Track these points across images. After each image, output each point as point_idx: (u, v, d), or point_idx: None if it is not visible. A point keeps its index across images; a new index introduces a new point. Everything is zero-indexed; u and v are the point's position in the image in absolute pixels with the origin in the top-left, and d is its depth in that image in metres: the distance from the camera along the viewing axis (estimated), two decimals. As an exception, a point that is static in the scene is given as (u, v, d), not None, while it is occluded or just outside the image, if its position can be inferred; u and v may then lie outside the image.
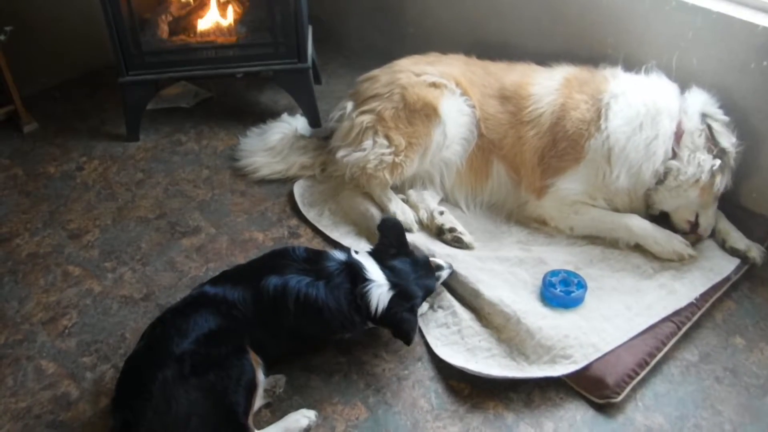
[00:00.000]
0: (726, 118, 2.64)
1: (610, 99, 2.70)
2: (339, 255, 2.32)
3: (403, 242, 2.43)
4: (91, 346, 2.45)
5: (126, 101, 3.42)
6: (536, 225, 2.85)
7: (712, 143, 2.60)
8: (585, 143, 2.71)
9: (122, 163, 3.35)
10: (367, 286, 2.23)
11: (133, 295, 2.65)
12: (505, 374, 2.24)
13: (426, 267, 2.43)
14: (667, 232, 2.66)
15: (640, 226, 2.67)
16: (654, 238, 2.64)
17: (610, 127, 2.67)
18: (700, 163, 2.59)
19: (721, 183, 2.61)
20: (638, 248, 2.68)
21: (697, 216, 2.68)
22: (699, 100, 2.66)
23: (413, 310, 2.26)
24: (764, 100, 2.66)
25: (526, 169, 2.85)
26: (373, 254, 2.37)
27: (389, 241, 2.39)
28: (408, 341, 2.24)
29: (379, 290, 2.23)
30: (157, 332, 2.12)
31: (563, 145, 2.74)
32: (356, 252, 2.37)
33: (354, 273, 2.26)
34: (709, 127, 2.61)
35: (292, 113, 3.50)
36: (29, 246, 2.88)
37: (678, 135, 2.63)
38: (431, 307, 2.52)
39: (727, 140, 2.60)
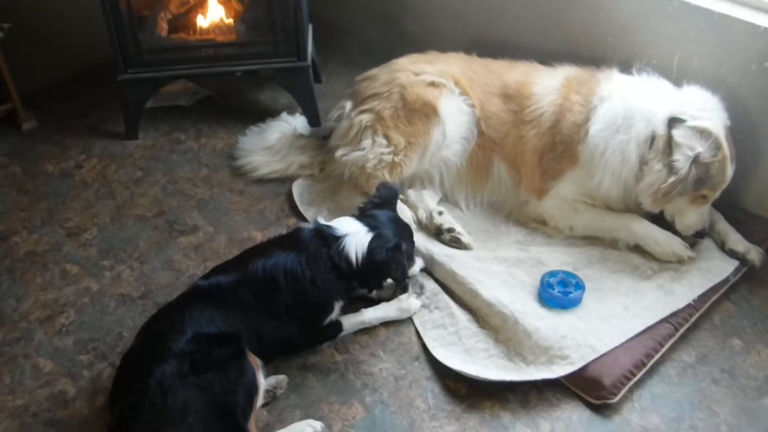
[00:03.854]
0: (702, 125, 2.47)
1: (598, 102, 2.69)
2: (309, 225, 2.39)
3: (394, 203, 2.48)
4: (88, 345, 2.45)
5: (125, 99, 3.42)
6: (535, 225, 2.84)
7: (667, 153, 2.51)
8: (577, 147, 2.71)
9: (121, 162, 3.35)
10: (340, 242, 2.27)
11: (130, 293, 2.65)
12: (502, 377, 2.23)
13: (407, 227, 2.48)
14: (668, 233, 2.64)
15: (640, 227, 2.66)
16: (654, 238, 2.63)
17: (591, 131, 2.66)
18: (651, 172, 2.55)
19: (653, 197, 2.54)
20: (637, 249, 2.67)
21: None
22: (677, 103, 2.56)
23: (399, 249, 2.26)
24: (765, 101, 2.65)
25: (526, 168, 2.85)
26: (357, 211, 2.46)
27: (378, 197, 2.45)
28: (400, 281, 2.29)
29: (355, 237, 2.28)
30: (153, 328, 2.14)
31: (561, 148, 2.74)
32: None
33: (325, 237, 2.30)
34: (670, 135, 2.51)
35: (291, 112, 3.49)
36: (27, 244, 2.88)
37: (653, 139, 2.57)
38: (427, 307, 2.51)
39: (681, 152, 2.45)
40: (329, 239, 2.30)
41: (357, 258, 2.27)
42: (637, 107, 2.60)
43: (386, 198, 2.48)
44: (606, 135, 2.63)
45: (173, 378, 1.94)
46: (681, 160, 2.46)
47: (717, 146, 2.46)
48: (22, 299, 2.63)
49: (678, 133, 2.49)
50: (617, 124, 2.62)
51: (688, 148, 2.46)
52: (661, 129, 2.54)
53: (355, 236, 2.30)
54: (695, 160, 2.45)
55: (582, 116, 2.70)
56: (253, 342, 2.16)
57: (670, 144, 2.50)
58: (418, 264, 2.53)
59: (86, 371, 2.36)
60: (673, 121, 2.52)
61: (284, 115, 3.42)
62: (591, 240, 2.74)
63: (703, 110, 2.53)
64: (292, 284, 2.23)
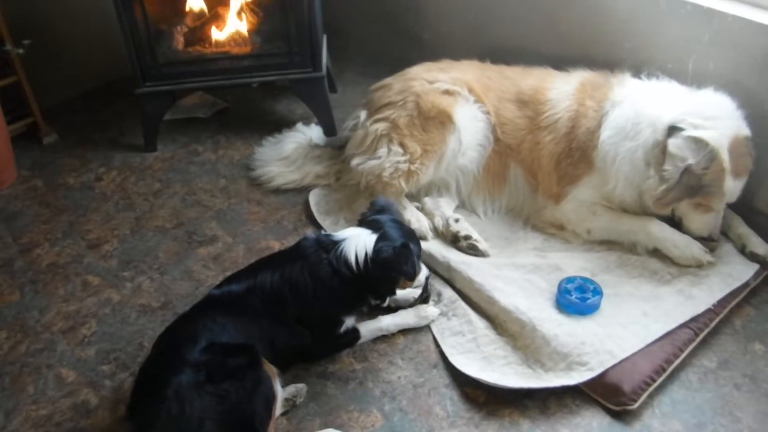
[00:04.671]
0: (699, 135, 2.41)
1: (609, 107, 2.68)
2: (311, 235, 2.39)
3: (393, 210, 2.45)
4: (110, 355, 2.49)
5: (143, 112, 3.47)
6: (553, 230, 2.83)
7: (661, 161, 2.50)
8: (592, 153, 2.70)
9: (140, 174, 3.39)
10: (339, 246, 2.27)
11: (151, 303, 2.68)
12: (521, 385, 2.22)
13: (411, 230, 2.47)
14: (687, 237, 2.62)
15: (659, 230, 2.64)
16: (673, 241, 2.61)
17: (602, 137, 2.66)
18: (649, 178, 2.55)
19: (652, 202, 2.56)
20: (656, 253, 2.65)
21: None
22: (682, 109, 2.51)
23: (407, 246, 2.24)
24: (782, 103, 2.64)
25: (543, 174, 2.84)
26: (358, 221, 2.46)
27: (378, 205, 2.44)
28: (411, 276, 2.26)
29: (355, 240, 2.27)
30: (168, 338, 2.16)
31: (577, 154, 2.74)
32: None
33: (324, 244, 2.30)
34: (665, 144, 2.48)
35: (307, 122, 3.53)
36: (49, 256, 2.93)
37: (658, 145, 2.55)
38: (445, 314, 2.52)
39: (672, 163, 2.44)
40: (328, 245, 2.29)
41: (358, 259, 2.24)
42: (645, 113, 2.59)
43: (385, 205, 2.47)
44: (616, 141, 2.63)
45: (189, 387, 1.95)
46: (670, 170, 2.46)
47: (711, 158, 2.42)
48: (45, 310, 2.67)
49: (673, 143, 2.46)
50: (626, 130, 2.61)
51: (679, 159, 2.45)
52: (661, 136, 2.52)
53: (354, 239, 2.28)
54: (686, 170, 2.43)
55: (595, 122, 2.70)
56: (267, 349, 2.17)
57: (663, 154, 2.49)
58: (423, 272, 2.47)
59: (108, 381, 2.39)
60: (672, 130, 2.49)
61: (300, 125, 3.45)
62: (609, 245, 2.73)
63: (708, 118, 2.47)
64: (296, 296, 2.23)
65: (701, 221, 2.59)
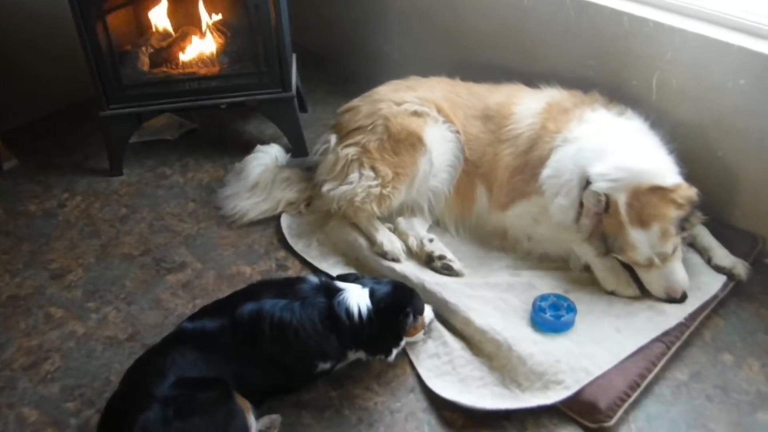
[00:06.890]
0: (599, 189, 2.44)
1: (560, 143, 2.67)
2: (314, 279, 2.34)
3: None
4: (74, 391, 2.40)
5: (108, 135, 3.40)
6: (497, 241, 2.82)
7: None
8: (540, 179, 2.70)
9: (106, 199, 3.31)
10: (341, 294, 2.23)
11: (117, 335, 2.60)
12: (497, 406, 2.21)
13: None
14: (615, 263, 2.59)
15: (589, 249, 2.62)
16: (598, 264, 2.60)
17: (543, 173, 2.67)
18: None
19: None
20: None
21: None
22: (607, 165, 2.49)
23: (401, 284, 2.37)
24: (741, 118, 2.69)
25: (497, 185, 2.84)
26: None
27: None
28: (420, 309, 2.36)
29: (359, 293, 2.25)
30: (136, 373, 2.10)
31: (529, 174, 2.73)
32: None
33: (329, 289, 2.26)
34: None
35: (278, 142, 3.46)
36: (10, 288, 2.83)
37: None
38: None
39: (585, 214, 2.50)
40: (332, 292, 2.25)
41: (360, 310, 2.21)
42: (580, 165, 2.56)
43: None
44: (553, 184, 2.64)
45: (157, 424, 1.90)
46: (585, 221, 2.52)
47: (607, 207, 2.45)
48: (5, 346, 2.57)
49: (584, 195, 2.51)
50: (561, 181, 2.61)
51: (587, 210, 2.50)
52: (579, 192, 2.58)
53: (359, 292, 2.26)
54: (598, 221, 2.49)
55: (546, 152, 2.69)
56: (239, 385, 2.11)
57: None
58: (429, 310, 2.46)
59: (73, 419, 2.31)
60: (587, 183, 2.53)
61: (259, 146, 3.32)
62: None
63: (615, 178, 2.45)
64: (277, 332, 2.15)
65: (649, 279, 2.53)
